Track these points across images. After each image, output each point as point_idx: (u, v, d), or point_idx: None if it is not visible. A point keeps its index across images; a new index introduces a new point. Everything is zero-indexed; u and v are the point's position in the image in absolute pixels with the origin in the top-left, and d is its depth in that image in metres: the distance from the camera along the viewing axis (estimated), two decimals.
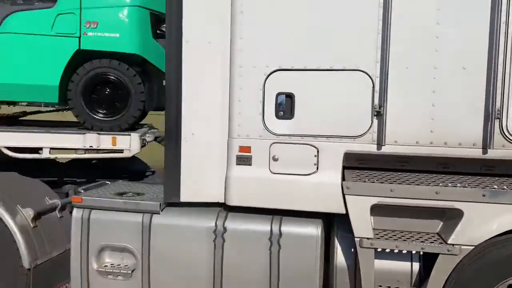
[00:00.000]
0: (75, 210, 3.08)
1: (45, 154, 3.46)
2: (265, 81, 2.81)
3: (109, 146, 3.50)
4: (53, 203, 3.47)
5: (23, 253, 3.07)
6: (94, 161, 4.76)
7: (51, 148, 3.46)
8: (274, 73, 2.80)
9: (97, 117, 3.83)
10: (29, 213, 3.18)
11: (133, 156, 3.90)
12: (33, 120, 4.90)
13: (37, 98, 4.16)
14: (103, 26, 3.81)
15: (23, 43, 3.83)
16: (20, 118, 4.86)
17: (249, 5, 2.80)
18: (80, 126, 4.02)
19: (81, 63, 3.84)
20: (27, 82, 3.81)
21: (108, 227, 3.03)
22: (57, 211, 3.48)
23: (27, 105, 5.37)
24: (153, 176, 4.42)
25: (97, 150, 3.54)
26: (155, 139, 4.06)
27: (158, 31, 4.20)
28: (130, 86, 3.85)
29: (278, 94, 2.81)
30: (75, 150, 3.52)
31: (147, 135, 3.79)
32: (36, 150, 3.78)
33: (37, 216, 3.25)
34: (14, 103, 4.72)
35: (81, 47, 3.79)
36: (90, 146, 3.48)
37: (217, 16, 2.89)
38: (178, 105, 2.93)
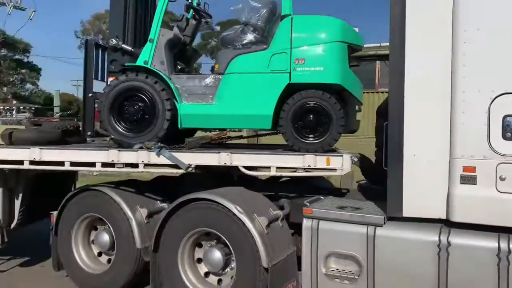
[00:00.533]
0: (305, 220, 3.62)
1: (272, 172, 4.12)
2: (490, 105, 2.99)
3: (324, 165, 4.00)
4: (276, 214, 4.09)
5: (262, 255, 3.69)
6: (282, 179, 5.40)
7: (277, 167, 4.10)
8: (500, 96, 2.96)
9: (304, 140, 4.39)
10: (263, 221, 3.83)
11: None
12: (234, 143, 5.76)
13: (254, 125, 4.92)
14: (309, 62, 4.38)
15: (244, 81, 4.61)
16: (226, 142, 5.75)
17: (472, 36, 3.04)
18: (274, 148, 4.67)
19: (290, 94, 4.46)
20: (247, 112, 4.56)
21: (334, 236, 3.49)
22: (279, 221, 4.09)
23: (230, 131, 6.28)
24: (350, 193, 4.82)
25: (313, 169, 4.06)
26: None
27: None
28: (332, 112, 4.34)
29: (505, 116, 2.95)
30: (296, 169, 4.09)
31: (353, 156, 4.21)
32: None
33: (268, 224, 3.88)
34: (225, 129, 5.62)
35: (291, 81, 4.39)
36: (308, 166, 4.03)
37: (436, 48, 3.19)
38: (400, 129, 3.28)
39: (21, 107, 31.42)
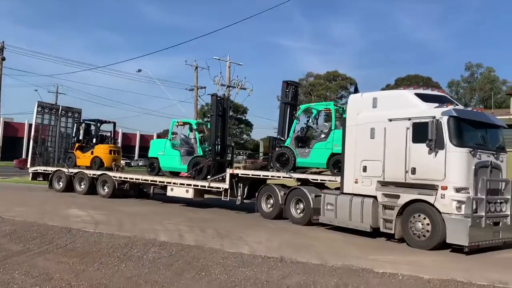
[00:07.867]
0: (322, 194, 12.44)
1: (327, 183, 13.08)
2: None
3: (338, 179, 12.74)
4: (320, 193, 12.97)
5: (312, 200, 12.67)
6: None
7: (327, 180, 13.02)
8: None
9: (336, 172, 13.20)
10: (313, 195, 12.81)
11: None
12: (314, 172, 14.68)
13: (320, 166, 13.97)
14: (338, 145, 13.25)
15: (319, 151, 13.75)
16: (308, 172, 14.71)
17: None
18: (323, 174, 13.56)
19: (332, 156, 13.36)
20: (318, 161, 13.70)
21: (328, 197, 12.18)
22: (321, 196, 12.97)
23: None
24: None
25: (332, 181, 12.86)
26: None
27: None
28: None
29: None
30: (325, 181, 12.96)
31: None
32: None
33: (315, 196, 12.81)
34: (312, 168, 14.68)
35: (333, 151, 13.34)
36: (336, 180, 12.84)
37: None
38: None
39: (241, 152, 46.88)
